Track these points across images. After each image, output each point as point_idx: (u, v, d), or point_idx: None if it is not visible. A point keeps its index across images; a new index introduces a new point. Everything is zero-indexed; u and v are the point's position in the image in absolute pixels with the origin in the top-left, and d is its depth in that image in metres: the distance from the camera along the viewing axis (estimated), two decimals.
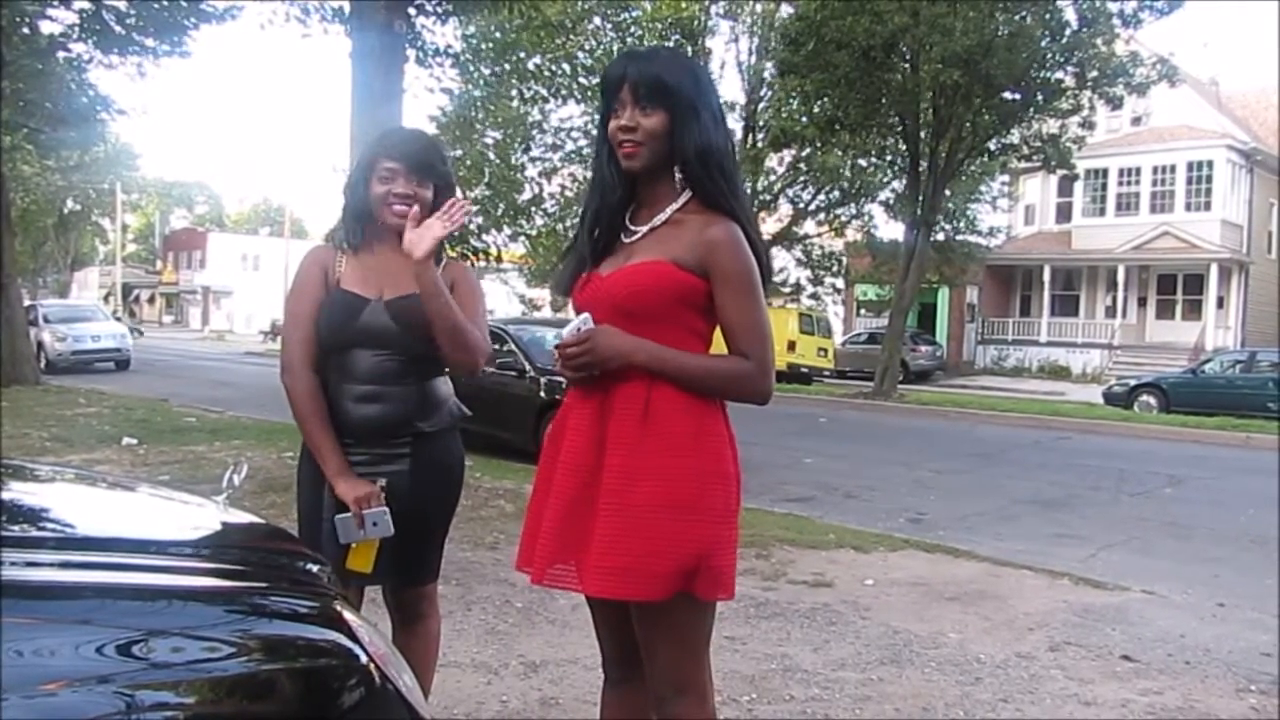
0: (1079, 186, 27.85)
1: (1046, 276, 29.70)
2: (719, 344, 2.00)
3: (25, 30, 16.14)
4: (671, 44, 22.79)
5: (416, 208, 2.33)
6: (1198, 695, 3.69)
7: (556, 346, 1.99)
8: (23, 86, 16.63)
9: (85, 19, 15.44)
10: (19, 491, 1.94)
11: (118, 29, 15.33)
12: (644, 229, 2.02)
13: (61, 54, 16.07)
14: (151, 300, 66.30)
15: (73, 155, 35.32)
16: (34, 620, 1.21)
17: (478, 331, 2.41)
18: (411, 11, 9.06)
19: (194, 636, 1.28)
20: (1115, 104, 19.74)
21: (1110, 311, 29.29)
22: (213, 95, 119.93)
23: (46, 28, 16.31)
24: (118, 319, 31.62)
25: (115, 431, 9.93)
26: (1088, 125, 20.09)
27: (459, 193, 2.57)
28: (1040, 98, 18.74)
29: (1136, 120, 28.82)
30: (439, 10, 9.75)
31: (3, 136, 17.93)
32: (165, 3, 15.29)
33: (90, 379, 18.58)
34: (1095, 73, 18.21)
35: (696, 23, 24.47)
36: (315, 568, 1.73)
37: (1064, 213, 30.37)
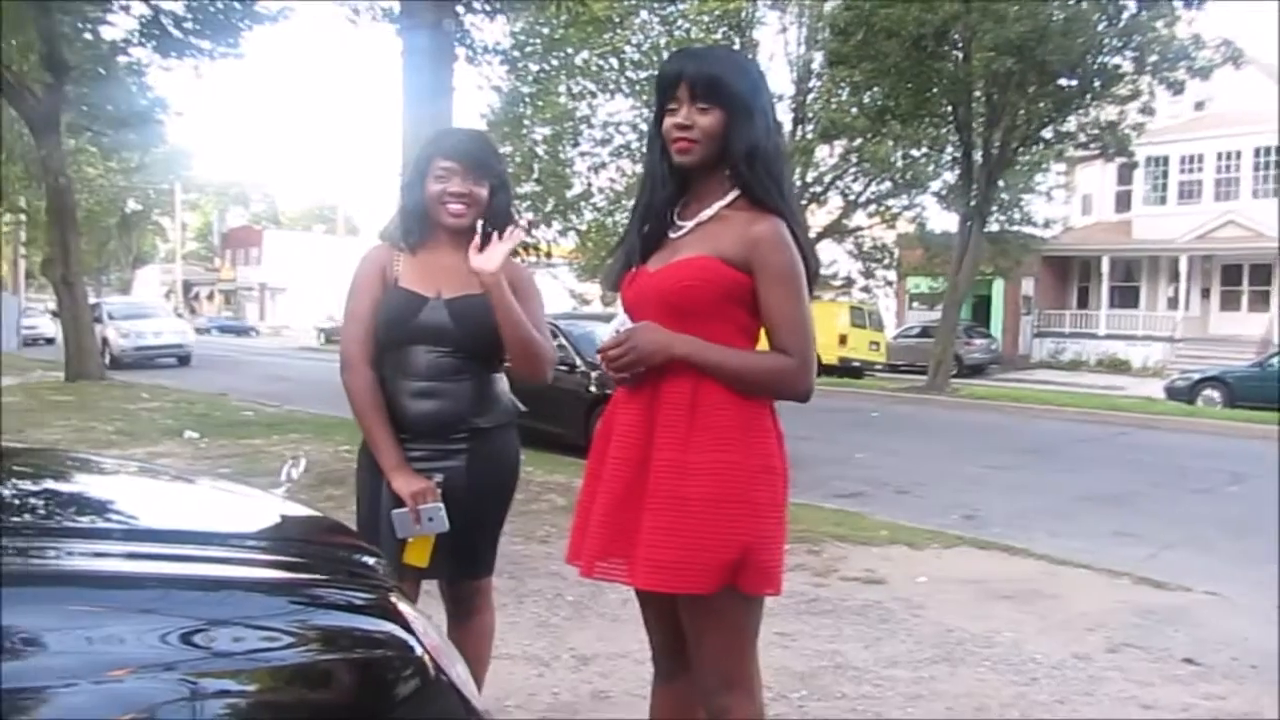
0: (1139, 174, 27.25)
1: (1105, 267, 29.10)
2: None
3: (88, 36, 16.59)
4: (719, 36, 22.68)
5: (477, 239, 2.37)
6: (1264, 702, 3.59)
7: (599, 351, 2.01)
8: (86, 91, 17.09)
9: (144, 24, 15.81)
10: (87, 484, 2.00)
11: (175, 32, 15.68)
12: (690, 224, 2.03)
13: (122, 58, 16.48)
14: (210, 297, 67.59)
15: (134, 157, 36.16)
16: (101, 608, 1.24)
17: (545, 340, 2.43)
18: (460, 9, 9.13)
19: (254, 626, 1.32)
20: (1176, 89, 19.20)
21: (1172, 303, 28.62)
22: (266, 95, 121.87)
23: (108, 33, 16.74)
24: (179, 315, 32.33)
25: (177, 425, 10.18)
26: (1147, 111, 19.65)
27: (511, 189, 2.60)
28: (1097, 84, 18.35)
29: (1199, 105, 28.05)
30: (487, 8, 9.82)
31: (68, 140, 18.41)
32: (220, 5, 15.60)
33: (153, 374, 19.04)
34: (1155, 57, 17.78)
35: (744, 14, 24.33)
36: (371, 561, 1.76)
37: (1123, 201, 29.71)
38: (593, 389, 9.46)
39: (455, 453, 2.44)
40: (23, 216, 29.23)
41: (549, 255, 22.30)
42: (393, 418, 2.43)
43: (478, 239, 2.37)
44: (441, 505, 2.37)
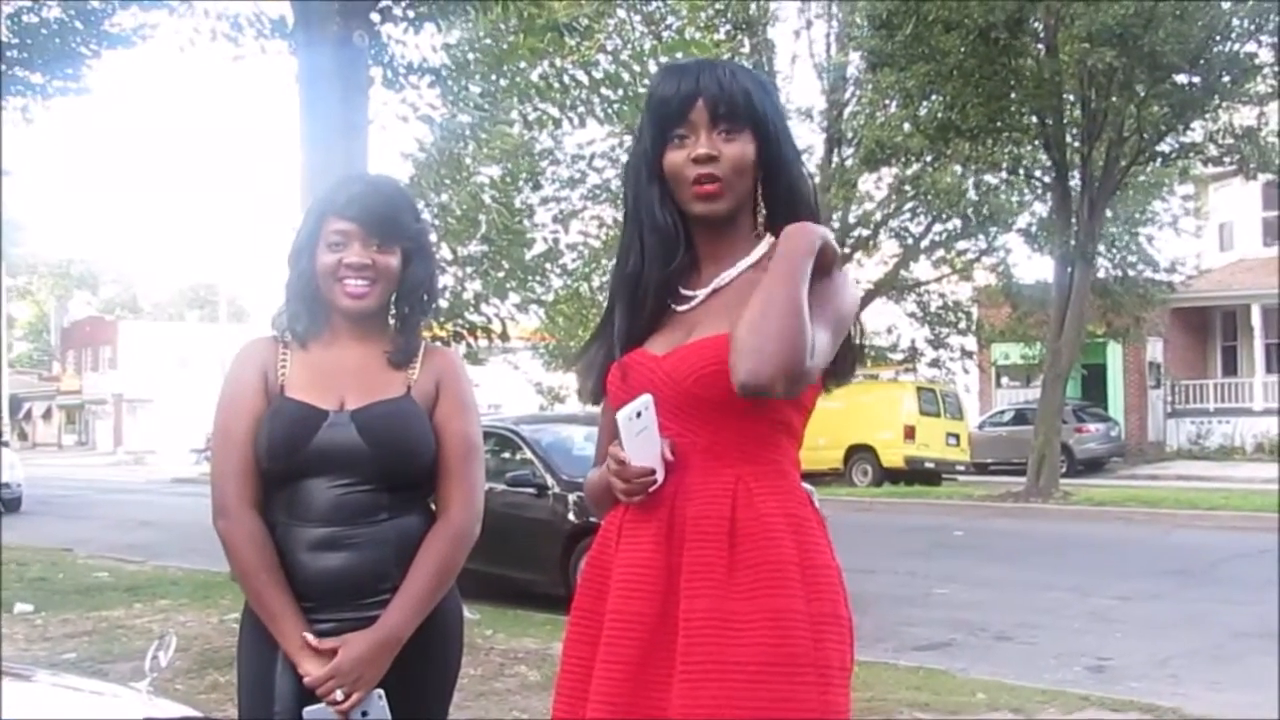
0: None
1: (1257, 319, 29.22)
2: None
3: None
4: (721, 38, 23.16)
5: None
6: None
7: (614, 457, 1.96)
8: None
9: None
10: None
11: None
12: (704, 292, 2.05)
13: None
14: (47, 415, 67.60)
15: None
16: None
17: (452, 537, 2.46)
18: (375, 18, 9.31)
19: None
20: None
21: None
22: (119, 144, 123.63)
23: None
24: (4, 444, 32.17)
25: (3, 596, 10.07)
26: None
27: (433, 255, 2.63)
28: (1226, 79, 18.64)
29: None
30: (409, 15, 10.01)
31: None
32: (56, 25, 15.87)
33: None
34: None
35: (754, 9, 24.86)
36: None
37: (1272, 230, 30.02)
38: (571, 517, 9.41)
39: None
40: None
41: (504, 338, 22.24)
42: (287, 578, 2.39)
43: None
44: (380, 692, 2.34)
